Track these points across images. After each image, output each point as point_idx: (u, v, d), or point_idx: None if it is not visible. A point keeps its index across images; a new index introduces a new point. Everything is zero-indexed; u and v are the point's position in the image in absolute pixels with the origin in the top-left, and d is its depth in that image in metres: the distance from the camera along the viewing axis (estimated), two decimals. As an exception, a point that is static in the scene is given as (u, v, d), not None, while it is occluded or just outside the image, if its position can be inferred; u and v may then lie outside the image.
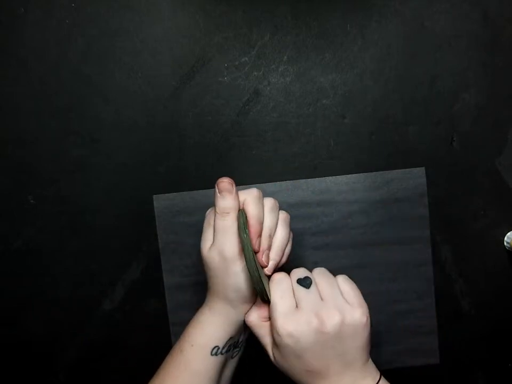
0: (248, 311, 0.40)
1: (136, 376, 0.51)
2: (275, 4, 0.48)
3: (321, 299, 0.37)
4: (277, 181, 0.50)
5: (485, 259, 0.51)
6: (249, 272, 0.36)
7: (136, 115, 0.49)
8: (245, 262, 0.36)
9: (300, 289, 0.37)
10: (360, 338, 0.37)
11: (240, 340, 0.42)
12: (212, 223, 0.39)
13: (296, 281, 0.38)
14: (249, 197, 0.39)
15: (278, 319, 0.36)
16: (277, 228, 0.40)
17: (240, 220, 0.37)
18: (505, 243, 0.50)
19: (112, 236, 0.50)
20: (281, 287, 0.38)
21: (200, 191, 0.49)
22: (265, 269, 0.38)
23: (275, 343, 0.37)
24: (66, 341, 0.51)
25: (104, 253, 0.50)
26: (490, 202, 0.50)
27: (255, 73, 0.49)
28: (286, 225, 0.40)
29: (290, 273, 0.39)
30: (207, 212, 0.42)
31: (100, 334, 0.51)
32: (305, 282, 0.38)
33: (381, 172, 0.49)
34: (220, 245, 0.38)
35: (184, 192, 0.49)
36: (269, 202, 0.40)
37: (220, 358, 0.40)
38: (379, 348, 0.50)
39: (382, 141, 0.50)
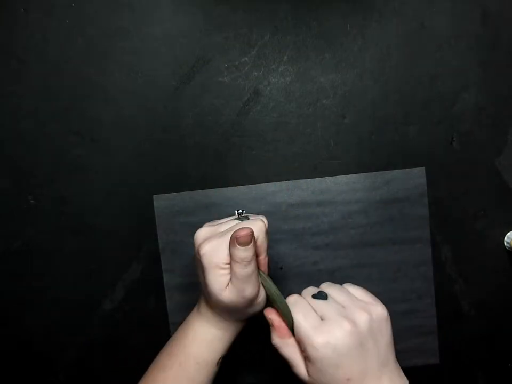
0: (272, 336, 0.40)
1: (136, 376, 0.51)
2: (275, 4, 0.48)
3: (342, 306, 0.38)
4: (277, 181, 0.50)
5: (485, 259, 0.51)
6: (280, 307, 0.38)
7: (136, 115, 0.49)
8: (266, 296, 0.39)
9: (319, 303, 0.38)
10: (387, 333, 0.37)
11: None
12: (211, 265, 0.38)
13: (311, 297, 0.39)
14: (261, 234, 0.39)
15: (309, 333, 0.36)
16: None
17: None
18: (505, 243, 0.50)
19: (112, 235, 0.50)
20: (300, 306, 0.38)
21: (200, 191, 0.49)
22: None
23: (310, 360, 0.36)
24: (66, 341, 0.51)
25: (104, 253, 0.50)
26: (490, 202, 0.50)
27: (255, 73, 0.49)
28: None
29: (301, 293, 0.40)
30: (197, 251, 0.39)
31: (100, 334, 0.51)
32: (321, 296, 0.39)
33: (381, 172, 0.49)
34: (242, 289, 0.38)
35: (184, 192, 0.49)
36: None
37: (220, 365, 0.42)
38: None
39: (382, 141, 0.50)
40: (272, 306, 0.39)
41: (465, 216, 0.50)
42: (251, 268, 0.38)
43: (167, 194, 0.49)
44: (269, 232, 0.41)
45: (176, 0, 0.48)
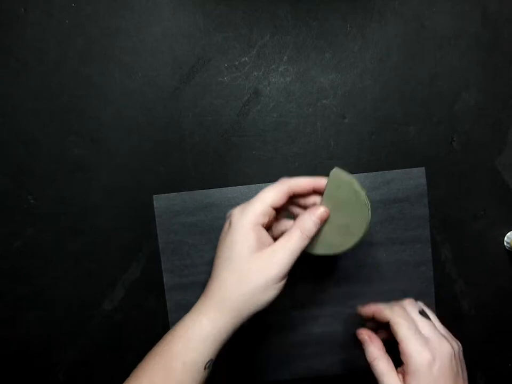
0: (376, 362, 0.40)
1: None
2: (275, 4, 0.48)
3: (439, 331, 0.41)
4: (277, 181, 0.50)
5: (485, 259, 0.51)
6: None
7: (136, 115, 0.49)
8: None
9: (425, 321, 0.41)
10: (464, 369, 0.41)
11: None
12: (239, 224, 0.38)
13: (418, 313, 0.42)
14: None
15: (418, 348, 0.38)
16: None
17: None
18: (505, 243, 0.50)
19: (112, 235, 0.50)
20: (409, 320, 0.40)
21: (200, 191, 0.49)
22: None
23: (409, 373, 0.38)
24: (66, 341, 0.51)
25: (104, 253, 0.50)
26: (490, 202, 0.50)
27: (255, 73, 0.49)
28: None
29: (403, 305, 0.42)
30: (228, 219, 0.40)
31: (100, 334, 0.51)
32: (425, 315, 0.42)
33: (381, 172, 0.49)
34: (272, 256, 0.38)
35: (184, 192, 0.49)
36: None
37: (209, 370, 0.39)
38: None
39: (382, 141, 0.50)
40: None
41: (465, 216, 0.50)
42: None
43: (167, 194, 0.49)
44: None
45: (176, 0, 0.48)
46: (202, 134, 0.49)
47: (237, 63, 0.49)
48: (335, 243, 0.41)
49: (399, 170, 0.49)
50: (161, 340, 0.40)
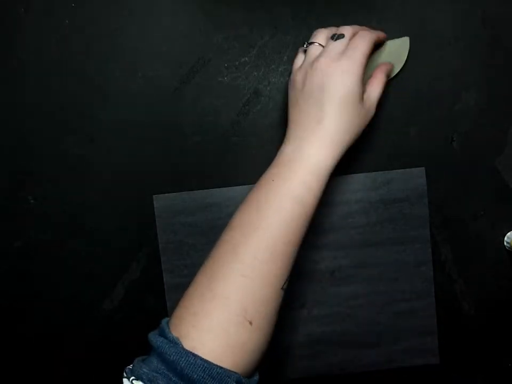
0: None
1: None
2: (275, 4, 0.48)
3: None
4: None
5: (485, 259, 0.51)
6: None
7: (136, 115, 0.49)
8: None
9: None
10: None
11: None
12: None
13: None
14: None
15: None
16: None
17: None
18: (505, 243, 0.50)
19: (112, 235, 0.50)
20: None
21: (200, 191, 0.49)
22: None
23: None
24: (66, 341, 0.51)
25: (104, 253, 0.50)
26: (490, 202, 0.50)
27: (255, 73, 0.49)
28: None
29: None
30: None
31: (100, 334, 0.51)
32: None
33: (381, 172, 0.49)
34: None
35: (184, 192, 0.49)
36: None
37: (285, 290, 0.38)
38: (379, 347, 0.51)
39: (382, 141, 0.50)
40: None
41: (465, 216, 0.50)
42: None
43: (167, 194, 0.49)
44: None
45: (176, 0, 0.48)
46: (202, 134, 0.49)
47: (237, 63, 0.49)
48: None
49: (399, 170, 0.49)
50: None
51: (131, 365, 0.34)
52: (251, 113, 0.49)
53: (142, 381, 0.32)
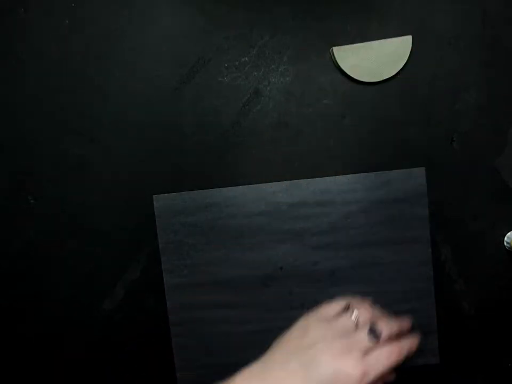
0: None
1: (136, 376, 0.51)
2: (275, 4, 0.48)
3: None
4: (277, 181, 0.50)
5: (485, 259, 0.51)
6: None
7: (136, 115, 0.49)
8: None
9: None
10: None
11: None
12: None
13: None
14: None
15: None
16: None
17: None
18: (505, 243, 0.50)
19: (112, 235, 0.50)
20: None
21: (200, 191, 0.49)
22: None
23: None
24: (66, 341, 0.51)
25: (104, 253, 0.50)
26: (490, 202, 0.50)
27: (255, 73, 0.49)
28: None
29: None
30: None
31: (100, 334, 0.51)
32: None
33: (381, 172, 0.49)
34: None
35: (184, 192, 0.49)
36: None
37: None
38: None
39: (382, 141, 0.50)
40: None
41: (465, 216, 0.50)
42: None
43: (167, 194, 0.49)
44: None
45: (176, 0, 0.48)
46: (202, 134, 0.49)
47: (237, 63, 0.49)
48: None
49: (399, 171, 0.49)
50: None
51: None
52: (251, 113, 0.49)
53: None
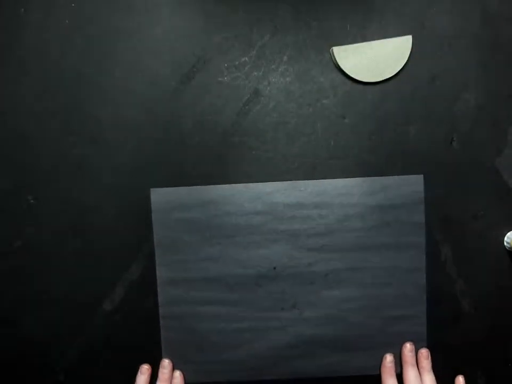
0: None
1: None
2: (275, 4, 0.48)
3: None
4: (277, 181, 0.50)
5: (485, 259, 0.51)
6: None
7: (136, 115, 0.49)
8: None
9: None
10: None
11: None
12: None
13: None
14: None
15: None
16: None
17: None
18: (505, 243, 0.50)
19: (112, 236, 0.50)
20: None
21: (198, 187, 0.49)
22: None
23: None
24: (66, 341, 0.51)
25: (104, 253, 0.50)
26: (490, 202, 0.50)
27: (255, 73, 0.49)
28: None
29: None
30: None
31: (100, 334, 0.51)
32: None
33: (379, 177, 0.49)
34: None
35: (181, 187, 0.49)
36: None
37: None
38: (369, 351, 0.50)
39: (382, 141, 0.50)
40: None
41: (465, 216, 0.50)
42: None
43: (164, 189, 0.49)
44: None
45: (176, 0, 0.48)
46: (202, 134, 0.49)
47: (237, 63, 0.49)
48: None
49: (396, 177, 0.49)
50: None
51: None
52: (251, 113, 0.49)
53: None
